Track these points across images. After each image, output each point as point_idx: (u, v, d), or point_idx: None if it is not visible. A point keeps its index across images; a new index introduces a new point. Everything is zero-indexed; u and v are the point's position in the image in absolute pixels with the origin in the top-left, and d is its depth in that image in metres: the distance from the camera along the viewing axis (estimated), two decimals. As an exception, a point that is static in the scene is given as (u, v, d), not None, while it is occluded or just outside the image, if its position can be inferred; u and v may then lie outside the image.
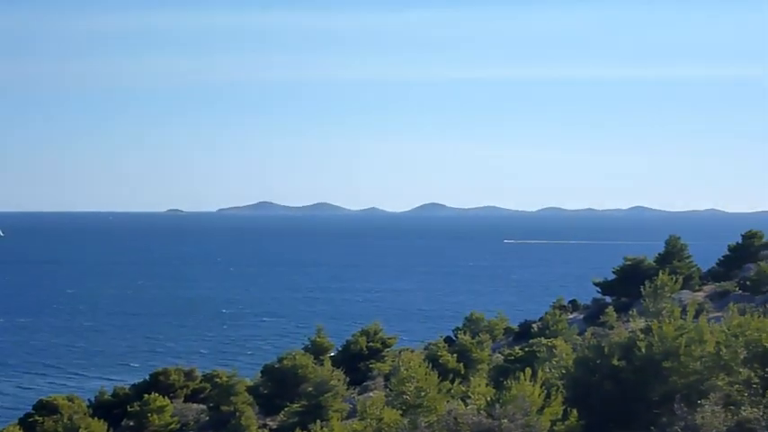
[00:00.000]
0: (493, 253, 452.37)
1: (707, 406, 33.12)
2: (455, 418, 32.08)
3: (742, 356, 35.99)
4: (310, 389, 64.08)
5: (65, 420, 57.30)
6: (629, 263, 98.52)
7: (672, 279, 67.12)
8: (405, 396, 35.54)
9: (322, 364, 67.50)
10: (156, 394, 67.00)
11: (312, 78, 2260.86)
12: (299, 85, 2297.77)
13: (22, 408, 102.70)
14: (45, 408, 67.01)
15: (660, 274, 65.88)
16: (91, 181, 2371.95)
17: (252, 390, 68.54)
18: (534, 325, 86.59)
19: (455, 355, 68.46)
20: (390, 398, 37.40)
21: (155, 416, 64.95)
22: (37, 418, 64.74)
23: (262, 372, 72.20)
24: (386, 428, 33.27)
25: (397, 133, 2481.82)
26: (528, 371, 33.98)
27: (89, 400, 72.56)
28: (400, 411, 34.54)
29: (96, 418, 59.89)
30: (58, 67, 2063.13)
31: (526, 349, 63.41)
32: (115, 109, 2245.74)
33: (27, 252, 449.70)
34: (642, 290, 64.69)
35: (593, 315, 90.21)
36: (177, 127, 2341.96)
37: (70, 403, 66.75)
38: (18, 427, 61.29)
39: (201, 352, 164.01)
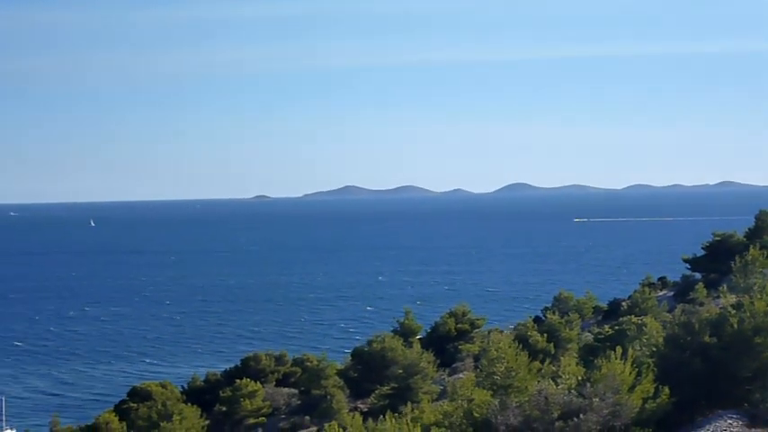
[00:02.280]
0: (573, 233, 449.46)
1: (800, 382, 32.79)
2: (545, 398, 32.04)
3: (836, 330, 35.49)
4: (400, 371, 64.26)
5: (158, 407, 57.91)
6: (718, 238, 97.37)
7: (762, 254, 66.34)
8: (495, 376, 35.53)
9: (411, 347, 67.61)
10: (248, 379, 67.54)
11: (395, 62, 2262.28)
12: (380, 70, 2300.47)
13: (116, 395, 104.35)
14: (139, 394, 67.84)
15: (750, 249, 65.20)
16: (179, 170, 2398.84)
17: (342, 373, 68.84)
18: (623, 303, 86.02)
19: (544, 334, 68.26)
20: (480, 378, 37.42)
21: (246, 400, 65.51)
22: (131, 404, 65.56)
23: (351, 355, 72.48)
24: (476, 409, 33.29)
25: (482, 114, 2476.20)
26: (618, 349, 33.83)
27: (182, 386, 73.31)
28: (490, 392, 34.56)
29: (189, 404, 60.52)
30: (146, 57, 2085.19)
31: (616, 327, 62.97)
32: (202, 98, 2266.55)
33: (117, 242, 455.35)
34: (732, 265, 64.03)
35: (683, 292, 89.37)
36: (263, 114, 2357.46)
37: (163, 390, 67.50)
38: (113, 413, 62.07)
39: (288, 336, 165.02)
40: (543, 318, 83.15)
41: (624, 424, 31.67)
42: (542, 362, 50.53)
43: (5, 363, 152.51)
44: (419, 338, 75.99)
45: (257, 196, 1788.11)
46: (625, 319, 65.25)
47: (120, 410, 64.76)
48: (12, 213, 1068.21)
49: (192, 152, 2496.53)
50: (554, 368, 42.64)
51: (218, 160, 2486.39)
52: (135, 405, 64.15)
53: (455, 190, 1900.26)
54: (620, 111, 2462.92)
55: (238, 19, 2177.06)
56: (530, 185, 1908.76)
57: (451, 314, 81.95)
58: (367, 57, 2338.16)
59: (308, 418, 64.60)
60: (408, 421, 36.06)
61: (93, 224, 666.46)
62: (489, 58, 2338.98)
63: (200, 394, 69.25)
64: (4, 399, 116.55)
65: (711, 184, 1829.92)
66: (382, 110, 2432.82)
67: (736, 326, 34.86)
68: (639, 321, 58.72)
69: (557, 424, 31.19)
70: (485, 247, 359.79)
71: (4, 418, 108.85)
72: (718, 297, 62.20)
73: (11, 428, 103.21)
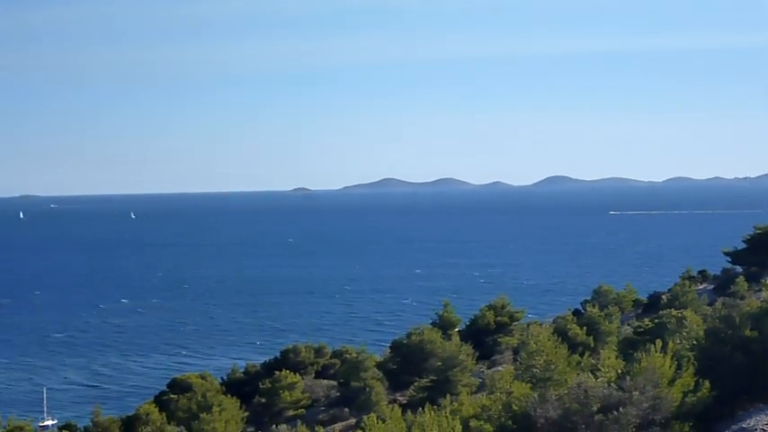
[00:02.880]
0: (610, 226, 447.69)
1: (843, 376, 32.55)
2: (585, 391, 31.93)
3: None
4: (439, 364, 64.24)
5: (198, 398, 58.09)
6: (759, 231, 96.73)
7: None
8: (534, 369, 35.48)
9: (450, 339, 67.58)
10: (287, 371, 67.71)
11: (434, 56, 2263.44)
12: (423, 64, 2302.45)
13: (154, 387, 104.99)
14: (178, 386, 68.11)
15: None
16: (219, 162, 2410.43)
17: (381, 365, 68.90)
18: (663, 296, 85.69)
19: (584, 327, 68.09)
20: (519, 371, 37.39)
21: (286, 392, 65.69)
22: (171, 395, 65.81)
23: (390, 347, 72.53)
24: (515, 402, 33.23)
25: (521, 106, 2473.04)
26: (658, 342, 33.70)
27: (221, 377, 73.62)
28: (529, 385, 34.51)
29: (229, 396, 60.72)
30: (177, 52, 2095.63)
31: (655, 321, 62.74)
32: (239, 91, 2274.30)
33: (156, 234, 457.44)
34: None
35: (724, 285, 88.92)
36: (303, 106, 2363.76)
37: (203, 381, 67.72)
38: (153, 405, 62.33)
39: (325, 329, 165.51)
40: (583, 311, 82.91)
41: (664, 417, 31.55)
42: (582, 355, 50.37)
43: (45, 355, 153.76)
44: (458, 331, 75.92)
45: (297, 189, 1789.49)
46: (665, 312, 65.00)
47: (161, 402, 65.00)
48: (52, 206, 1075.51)
49: (231, 144, 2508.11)
50: (593, 361, 42.51)
51: (258, 153, 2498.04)
52: (175, 396, 64.40)
53: (494, 183, 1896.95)
54: (662, 103, 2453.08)
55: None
56: (569, 178, 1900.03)
57: (490, 307, 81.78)
58: (402, 50, 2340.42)
59: (346, 410, 64.72)
60: (447, 414, 36.03)
61: (133, 216, 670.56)
62: (531, 51, 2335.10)
63: (240, 386, 69.48)
64: (45, 390, 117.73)
65: (752, 176, 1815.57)
66: (421, 102, 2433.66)
67: (777, 320, 34.67)
68: (680, 315, 58.50)
69: (596, 417, 31.10)
70: (522, 240, 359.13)
71: (45, 409, 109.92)
72: (760, 290, 62.01)
73: (52, 419, 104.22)
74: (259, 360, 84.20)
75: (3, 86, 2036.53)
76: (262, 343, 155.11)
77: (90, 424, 59.67)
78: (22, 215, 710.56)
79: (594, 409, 31.38)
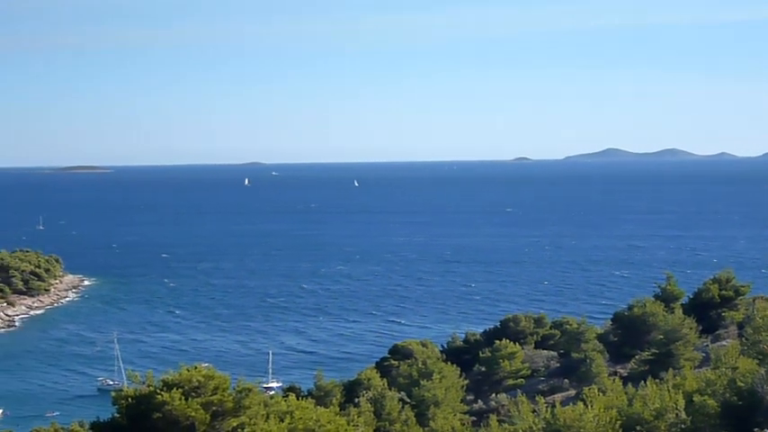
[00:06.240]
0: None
1: None
2: (815, 369, 31.15)
3: None
4: (660, 337, 63.38)
5: (419, 365, 58.71)
6: None
7: None
8: (761, 345, 34.77)
9: (672, 312, 66.56)
10: (507, 340, 67.81)
11: (661, 22, 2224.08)
12: (641, 30, 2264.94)
13: (372, 352, 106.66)
14: (399, 352, 69.04)
15: None
16: (439, 132, 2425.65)
17: (601, 337, 68.39)
18: None
19: (813, 303, 66.19)
20: (745, 347, 36.66)
21: (506, 362, 65.82)
22: (393, 361, 66.71)
23: (611, 319, 71.90)
24: (740, 378, 32.62)
25: (751, 75, 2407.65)
26: None
27: (441, 345, 74.18)
28: (756, 361, 33.82)
29: (449, 363, 61.13)
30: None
31: None
32: (455, 63, 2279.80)
33: (373, 202, 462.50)
34: None
35: None
36: (523, 75, 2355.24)
37: (424, 348, 68.46)
38: (375, 370, 63.21)
39: (539, 298, 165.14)
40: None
41: None
42: (811, 331, 49.00)
43: (266, 319, 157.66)
44: (681, 304, 74.64)
45: (517, 158, 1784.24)
46: None
47: (382, 367, 65.96)
48: (273, 173, 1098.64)
49: (454, 114, 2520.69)
50: (823, 338, 41.36)
51: (477, 122, 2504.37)
52: (396, 363, 65.22)
53: (720, 153, 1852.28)
54: None
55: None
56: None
57: (715, 280, 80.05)
58: (623, 16, 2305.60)
59: (566, 380, 64.50)
60: (670, 388, 35.60)
61: (356, 184, 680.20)
62: (755, 17, 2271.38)
63: (460, 354, 69.92)
64: (270, 353, 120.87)
65: None
66: (646, 71, 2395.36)
67: None
68: None
69: (827, 396, 30.32)
70: (745, 213, 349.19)
71: (270, 372, 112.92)
72: None
73: (276, 381, 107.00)
74: (476, 328, 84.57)
75: (237, 60, 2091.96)
76: (475, 311, 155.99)
77: (313, 387, 60.88)
78: (247, 182, 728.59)
79: (826, 387, 30.59)
